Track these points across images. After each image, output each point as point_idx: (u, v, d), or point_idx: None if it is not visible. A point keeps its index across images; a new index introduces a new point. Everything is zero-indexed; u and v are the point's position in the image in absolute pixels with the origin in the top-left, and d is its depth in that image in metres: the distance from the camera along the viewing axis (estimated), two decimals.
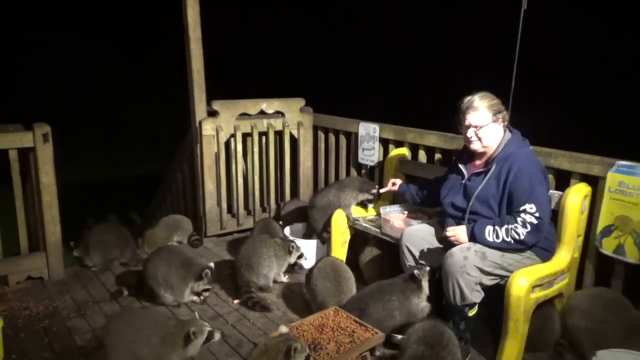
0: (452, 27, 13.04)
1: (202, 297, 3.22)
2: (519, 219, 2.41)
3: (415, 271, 2.64)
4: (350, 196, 3.56)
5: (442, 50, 13.00)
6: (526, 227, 2.39)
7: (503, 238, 2.43)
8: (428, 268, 2.69)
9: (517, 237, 2.41)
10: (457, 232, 2.57)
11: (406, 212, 3.28)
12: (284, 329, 2.19)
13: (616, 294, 2.63)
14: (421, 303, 2.66)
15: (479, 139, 2.60)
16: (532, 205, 2.38)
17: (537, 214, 2.38)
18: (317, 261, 3.13)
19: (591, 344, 2.43)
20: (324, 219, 3.67)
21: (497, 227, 2.45)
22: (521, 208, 2.41)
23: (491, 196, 2.54)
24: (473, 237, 2.51)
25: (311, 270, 3.07)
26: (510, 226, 2.42)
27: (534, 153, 2.61)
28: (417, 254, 2.83)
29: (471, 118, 2.58)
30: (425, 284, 2.65)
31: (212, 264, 3.26)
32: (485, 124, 2.56)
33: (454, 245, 2.57)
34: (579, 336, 2.55)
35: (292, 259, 3.47)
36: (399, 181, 3.32)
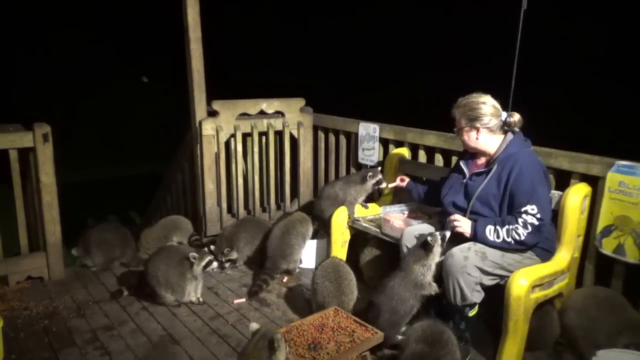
0: (454, 28, 13.05)
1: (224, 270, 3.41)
2: (520, 220, 2.40)
3: (429, 238, 2.57)
4: (356, 191, 3.53)
5: (444, 52, 13.00)
6: (527, 228, 2.39)
7: (504, 238, 2.44)
8: (438, 233, 2.60)
9: (517, 237, 2.41)
10: (463, 222, 2.57)
11: (406, 212, 3.28)
12: (254, 325, 2.13)
13: (611, 293, 2.63)
14: (427, 274, 2.59)
15: (462, 139, 2.67)
16: (534, 207, 2.38)
17: (538, 215, 2.38)
18: (322, 261, 3.13)
19: (585, 342, 2.44)
20: (332, 210, 3.60)
21: (498, 227, 2.45)
22: (522, 209, 2.41)
23: (492, 196, 2.54)
24: (475, 234, 2.51)
25: (315, 269, 3.08)
26: (511, 227, 2.42)
27: (535, 154, 2.61)
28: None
29: (455, 116, 2.65)
30: (437, 249, 2.57)
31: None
32: (460, 127, 2.63)
33: (455, 234, 2.58)
34: (573, 335, 2.56)
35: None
36: (407, 178, 3.32)
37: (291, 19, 15.55)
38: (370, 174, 3.49)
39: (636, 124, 8.17)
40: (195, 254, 3.14)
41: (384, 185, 3.52)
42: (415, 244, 2.69)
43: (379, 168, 3.59)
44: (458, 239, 2.60)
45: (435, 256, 2.58)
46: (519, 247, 2.46)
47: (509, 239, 2.43)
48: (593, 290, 2.69)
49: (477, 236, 2.50)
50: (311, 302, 3.04)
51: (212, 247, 3.88)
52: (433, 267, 2.60)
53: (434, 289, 2.60)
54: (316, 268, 3.07)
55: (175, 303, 3.18)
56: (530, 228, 2.39)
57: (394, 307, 2.61)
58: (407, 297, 2.60)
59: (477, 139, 2.60)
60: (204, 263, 3.16)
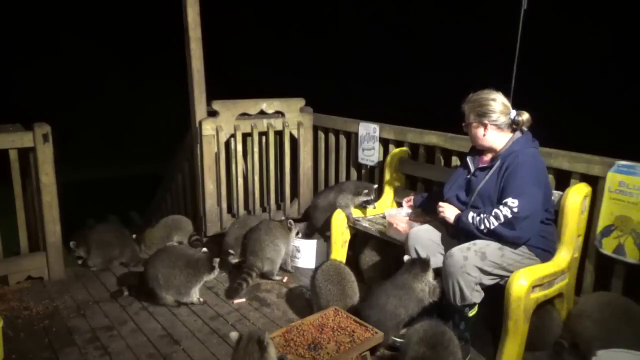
0: (455, 29, 13.04)
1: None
2: (494, 210, 2.43)
3: (425, 254, 2.66)
4: (348, 199, 3.58)
5: (445, 53, 13.00)
6: (499, 219, 2.41)
7: (477, 226, 2.47)
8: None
9: (488, 226, 2.44)
10: (447, 208, 2.65)
11: (411, 215, 3.26)
12: (234, 334, 2.09)
13: (627, 301, 2.60)
14: (426, 287, 2.62)
15: (470, 134, 2.68)
16: (515, 200, 2.39)
17: (515, 209, 2.38)
18: (321, 263, 3.11)
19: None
20: (324, 219, 3.69)
21: (474, 214, 2.50)
22: (504, 200, 2.42)
23: (492, 192, 2.55)
24: (457, 221, 2.57)
25: (315, 272, 3.05)
26: (484, 215, 2.46)
27: (538, 154, 2.60)
28: (424, 255, 2.81)
29: (465, 111, 2.67)
30: (430, 266, 2.64)
31: (204, 249, 3.37)
32: (469, 122, 2.65)
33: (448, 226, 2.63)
34: (589, 343, 2.50)
35: (293, 235, 3.63)
36: (412, 197, 3.32)
37: (292, 18, 15.55)
38: (365, 191, 3.54)
39: (636, 124, 8.18)
40: (217, 259, 3.18)
41: (371, 207, 3.59)
42: (410, 261, 2.71)
43: (375, 186, 3.65)
44: (457, 236, 2.62)
45: (431, 272, 2.64)
46: (490, 237, 2.46)
47: (482, 227, 2.46)
48: (609, 298, 2.64)
49: (458, 223, 2.55)
50: (312, 305, 3.03)
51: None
52: (431, 280, 2.64)
53: (437, 294, 2.62)
54: (315, 271, 3.05)
55: (175, 304, 3.18)
56: (502, 219, 2.40)
57: (381, 317, 2.61)
58: (401, 312, 2.62)
59: (484, 135, 2.61)
60: (217, 272, 3.23)
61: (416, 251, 2.80)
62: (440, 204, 2.69)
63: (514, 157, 2.50)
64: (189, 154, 4.42)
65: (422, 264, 2.63)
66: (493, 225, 2.43)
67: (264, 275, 3.57)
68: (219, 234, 4.28)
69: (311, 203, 4.03)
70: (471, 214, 2.52)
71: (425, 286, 2.62)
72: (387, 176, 3.74)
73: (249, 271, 3.45)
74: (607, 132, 8.56)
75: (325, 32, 15.07)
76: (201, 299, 3.23)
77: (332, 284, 2.92)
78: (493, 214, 2.43)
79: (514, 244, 2.49)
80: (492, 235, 2.46)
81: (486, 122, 2.58)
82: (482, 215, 2.47)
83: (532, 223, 2.44)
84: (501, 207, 2.42)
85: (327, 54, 14.57)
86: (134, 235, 4.01)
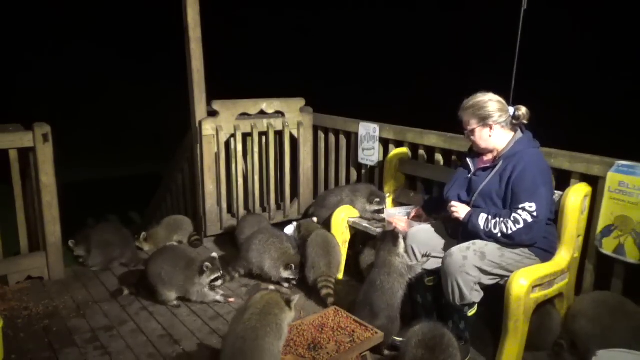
0: (454, 29, 13.04)
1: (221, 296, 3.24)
2: (513, 215, 2.41)
3: (391, 228, 2.76)
4: (362, 203, 3.58)
5: (445, 53, 13.00)
6: (518, 224, 2.39)
7: (491, 229, 2.45)
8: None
9: (505, 231, 2.42)
10: (460, 207, 2.61)
11: (410, 215, 3.25)
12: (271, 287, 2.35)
13: (621, 298, 2.60)
14: (404, 259, 2.71)
15: (473, 140, 2.66)
16: (533, 204, 2.38)
17: (534, 213, 2.38)
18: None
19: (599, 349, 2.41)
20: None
21: (490, 217, 2.48)
22: (520, 205, 2.41)
23: (495, 192, 2.54)
24: (468, 220, 2.54)
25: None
26: (501, 219, 2.44)
27: (542, 154, 2.60)
28: (423, 253, 2.82)
29: (463, 118, 2.64)
30: (401, 240, 2.73)
31: (214, 254, 3.27)
32: (472, 128, 2.62)
33: (454, 223, 2.63)
34: (586, 342, 2.51)
35: (284, 274, 3.46)
36: (417, 209, 3.24)
37: (292, 18, 15.56)
38: (377, 200, 3.53)
39: (636, 124, 8.18)
40: (209, 264, 3.12)
41: (381, 216, 3.52)
42: (381, 239, 2.80)
43: (387, 195, 3.62)
44: (456, 236, 2.62)
45: (402, 243, 2.70)
46: (506, 241, 2.45)
47: (496, 231, 2.44)
48: (604, 297, 2.65)
49: (469, 222, 2.52)
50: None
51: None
52: (403, 252, 2.70)
53: (420, 264, 2.71)
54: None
55: (176, 303, 3.18)
56: (522, 224, 2.39)
57: (389, 301, 2.65)
58: (397, 288, 2.67)
59: (490, 136, 2.60)
60: (212, 277, 3.15)
61: (413, 251, 2.80)
62: (453, 203, 2.65)
63: (519, 159, 2.49)
64: (189, 154, 4.42)
65: (392, 238, 2.70)
66: (511, 229, 2.40)
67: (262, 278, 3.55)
68: (220, 234, 4.29)
69: (318, 201, 3.98)
70: (483, 216, 2.49)
71: (403, 259, 2.68)
72: (387, 176, 3.74)
73: (236, 267, 3.50)
74: (607, 132, 8.56)
75: (325, 32, 15.07)
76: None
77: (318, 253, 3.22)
78: (512, 218, 2.41)
79: (519, 245, 2.49)
80: (507, 238, 2.43)
81: (490, 123, 2.57)
82: (498, 219, 2.44)
83: (543, 225, 2.46)
84: (519, 211, 2.40)
85: (326, 54, 14.58)
86: (143, 234, 4.01)
